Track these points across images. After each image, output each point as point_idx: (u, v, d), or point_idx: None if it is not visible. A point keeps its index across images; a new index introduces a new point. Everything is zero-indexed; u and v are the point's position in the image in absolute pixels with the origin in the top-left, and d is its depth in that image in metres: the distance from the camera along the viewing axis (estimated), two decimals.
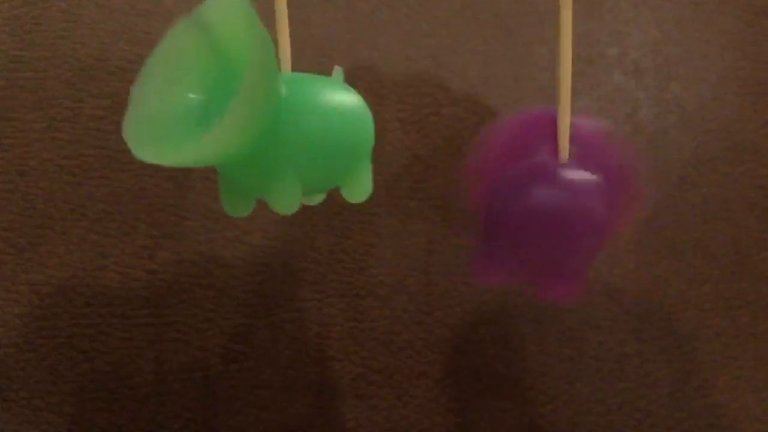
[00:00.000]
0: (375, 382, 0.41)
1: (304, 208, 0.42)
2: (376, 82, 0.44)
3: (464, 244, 0.43)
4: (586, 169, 0.31)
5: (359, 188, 0.33)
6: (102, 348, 0.39)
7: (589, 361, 0.43)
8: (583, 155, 0.31)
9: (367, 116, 0.32)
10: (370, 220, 0.43)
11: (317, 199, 0.36)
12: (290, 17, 0.42)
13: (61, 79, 0.41)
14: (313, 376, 0.41)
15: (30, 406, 0.38)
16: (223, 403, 0.40)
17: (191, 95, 0.29)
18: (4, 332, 0.38)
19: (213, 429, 0.39)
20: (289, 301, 0.41)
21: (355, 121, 0.31)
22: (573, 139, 0.31)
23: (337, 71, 0.34)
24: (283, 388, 0.40)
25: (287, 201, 0.30)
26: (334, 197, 0.43)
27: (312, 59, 0.43)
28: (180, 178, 0.41)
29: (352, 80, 0.43)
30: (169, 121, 0.28)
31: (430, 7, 0.46)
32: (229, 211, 0.31)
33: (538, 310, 0.43)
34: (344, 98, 0.31)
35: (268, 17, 0.40)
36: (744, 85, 0.48)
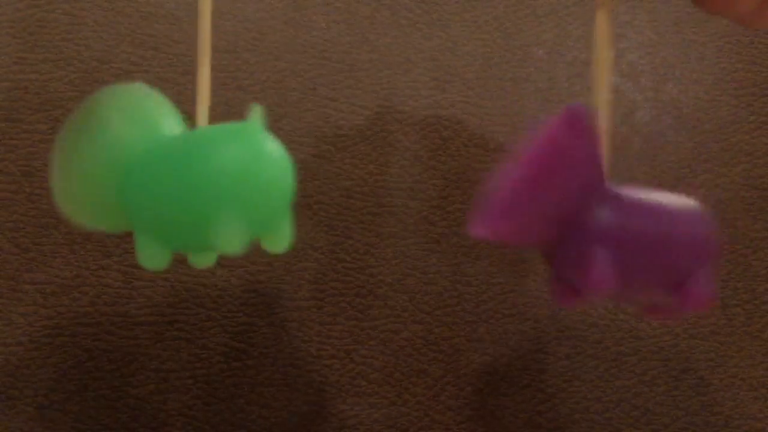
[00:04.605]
0: (375, 381, 0.41)
1: (305, 210, 0.42)
2: (375, 84, 0.44)
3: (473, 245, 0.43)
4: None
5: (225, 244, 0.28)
6: (105, 346, 0.39)
7: (587, 360, 0.44)
8: None
9: (258, 164, 0.28)
10: (370, 220, 0.43)
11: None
12: (291, 20, 0.42)
13: (65, 81, 0.41)
14: (313, 374, 0.41)
15: (34, 404, 0.38)
16: (224, 400, 0.40)
17: None
18: (8, 331, 0.38)
19: (215, 426, 0.40)
20: (290, 300, 0.41)
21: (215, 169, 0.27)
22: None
23: (255, 111, 0.30)
24: (284, 386, 0.40)
25: (143, 256, 0.30)
26: (333, 198, 0.43)
27: (312, 62, 0.43)
28: None
29: (352, 82, 0.43)
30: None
31: (429, 10, 0.46)
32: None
33: (537, 309, 0.44)
34: (211, 151, 0.28)
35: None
36: (739, 87, 0.48)
